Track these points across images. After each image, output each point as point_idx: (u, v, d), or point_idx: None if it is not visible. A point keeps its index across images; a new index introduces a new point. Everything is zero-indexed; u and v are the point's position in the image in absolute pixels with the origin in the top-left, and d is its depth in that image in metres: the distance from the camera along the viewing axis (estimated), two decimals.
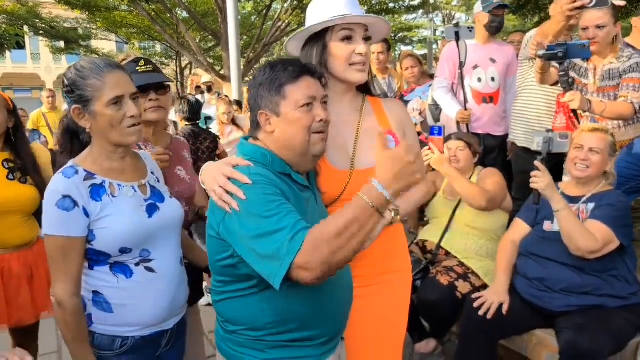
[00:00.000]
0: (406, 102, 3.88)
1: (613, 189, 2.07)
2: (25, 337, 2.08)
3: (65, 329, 1.25)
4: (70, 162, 1.29)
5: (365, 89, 1.50)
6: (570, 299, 1.96)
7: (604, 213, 1.93)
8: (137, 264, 1.30)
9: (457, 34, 2.92)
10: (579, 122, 2.37)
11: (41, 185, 2.02)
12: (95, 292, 1.30)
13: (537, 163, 1.95)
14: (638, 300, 1.96)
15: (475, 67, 3.04)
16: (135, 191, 1.33)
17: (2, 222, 1.93)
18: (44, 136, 5.95)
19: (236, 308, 1.17)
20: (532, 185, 1.92)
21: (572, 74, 2.51)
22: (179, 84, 15.85)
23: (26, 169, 2.03)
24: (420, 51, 24.22)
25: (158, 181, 1.45)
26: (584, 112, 2.34)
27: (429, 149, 2.23)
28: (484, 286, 2.28)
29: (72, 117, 1.29)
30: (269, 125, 1.16)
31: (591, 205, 2.01)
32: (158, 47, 17.24)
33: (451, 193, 2.52)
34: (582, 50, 2.25)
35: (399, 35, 24.06)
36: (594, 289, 1.94)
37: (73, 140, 1.38)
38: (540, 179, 1.92)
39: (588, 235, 1.86)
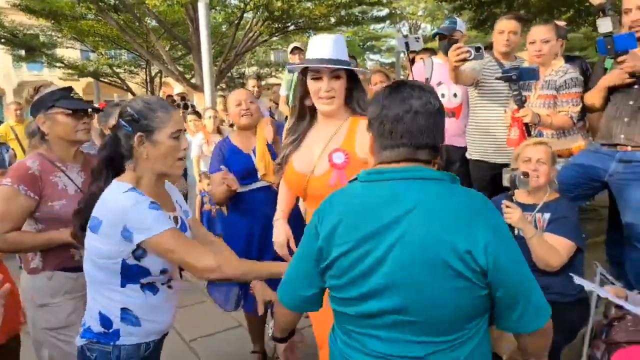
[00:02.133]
0: None
1: (560, 196, 2.29)
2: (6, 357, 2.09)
3: (240, 273, 1.47)
4: (127, 184, 1.39)
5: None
6: None
7: (563, 226, 2.14)
8: (163, 284, 1.46)
9: (406, 44, 3.19)
10: (529, 134, 2.64)
11: None
12: (124, 309, 1.41)
13: (505, 202, 2.16)
14: (585, 296, 2.16)
15: (439, 83, 3.29)
16: (170, 220, 1.47)
17: None
18: (12, 149, 5.83)
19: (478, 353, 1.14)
20: (506, 221, 2.10)
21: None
22: (148, 92, 15.66)
23: None
24: (387, 59, 24.81)
25: (181, 207, 1.61)
26: (534, 124, 2.65)
27: None
28: None
29: (124, 145, 1.42)
30: None
31: (547, 215, 2.20)
32: (125, 56, 16.97)
33: None
34: (533, 74, 2.58)
35: (367, 44, 24.60)
36: (547, 287, 2.11)
37: (108, 169, 1.46)
38: (511, 214, 2.11)
39: (555, 253, 2.08)
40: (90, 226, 1.39)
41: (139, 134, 1.39)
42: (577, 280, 2.01)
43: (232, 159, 2.49)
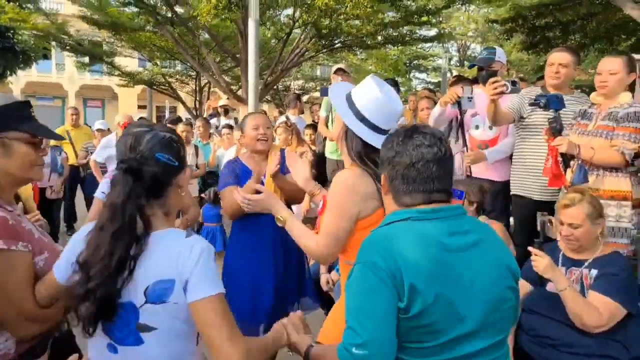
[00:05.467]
0: None
1: (613, 251, 2.10)
2: None
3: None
4: (182, 230, 1.26)
5: None
6: (573, 359, 1.96)
7: (608, 285, 1.95)
8: None
9: (458, 104, 3.14)
10: (567, 167, 2.52)
11: None
12: None
13: (531, 249, 2.04)
14: None
15: (475, 114, 3.22)
16: None
17: None
18: (65, 152, 6.16)
19: None
20: (534, 269, 2.01)
21: (575, 120, 2.69)
22: (197, 102, 16.26)
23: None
24: (434, 79, 24.51)
25: None
26: (573, 157, 2.49)
27: None
28: None
29: (160, 180, 1.23)
30: None
31: (594, 272, 2.03)
32: (179, 67, 17.75)
33: None
34: (558, 102, 2.55)
35: (414, 62, 24.41)
36: (598, 349, 1.93)
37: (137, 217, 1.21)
38: (538, 262, 1.97)
39: (593, 312, 1.89)
40: (154, 299, 1.12)
41: (190, 169, 1.29)
42: None
43: (245, 180, 2.46)
